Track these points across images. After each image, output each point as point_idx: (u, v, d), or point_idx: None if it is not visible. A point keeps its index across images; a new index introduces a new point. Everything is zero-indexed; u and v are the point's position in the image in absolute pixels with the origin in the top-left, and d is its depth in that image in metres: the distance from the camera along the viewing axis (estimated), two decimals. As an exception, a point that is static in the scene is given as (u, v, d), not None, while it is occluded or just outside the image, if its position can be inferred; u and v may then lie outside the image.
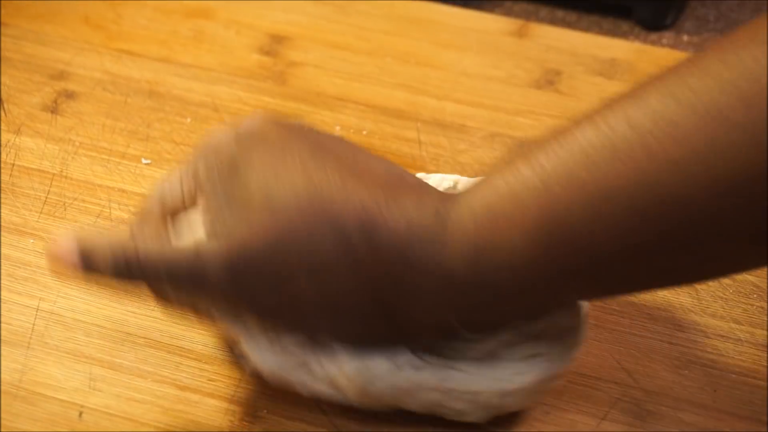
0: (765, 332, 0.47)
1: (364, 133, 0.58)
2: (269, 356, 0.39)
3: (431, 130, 0.59)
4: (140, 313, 0.47)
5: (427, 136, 0.58)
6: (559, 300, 0.38)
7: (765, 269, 0.50)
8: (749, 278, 0.50)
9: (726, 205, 0.32)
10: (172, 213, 0.41)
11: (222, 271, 0.37)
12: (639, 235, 0.34)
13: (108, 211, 0.52)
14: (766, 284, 0.50)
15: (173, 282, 0.38)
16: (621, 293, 0.39)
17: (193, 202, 0.40)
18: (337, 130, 0.58)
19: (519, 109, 0.60)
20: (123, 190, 0.53)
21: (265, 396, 0.44)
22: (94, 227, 0.51)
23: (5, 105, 0.59)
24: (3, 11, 0.65)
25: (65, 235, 0.38)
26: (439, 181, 0.45)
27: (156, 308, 0.47)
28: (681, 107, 0.32)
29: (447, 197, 0.38)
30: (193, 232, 0.40)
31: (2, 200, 0.52)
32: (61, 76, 0.61)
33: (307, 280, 0.36)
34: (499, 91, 0.61)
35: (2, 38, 0.63)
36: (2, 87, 0.60)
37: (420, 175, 0.45)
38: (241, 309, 0.38)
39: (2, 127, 0.57)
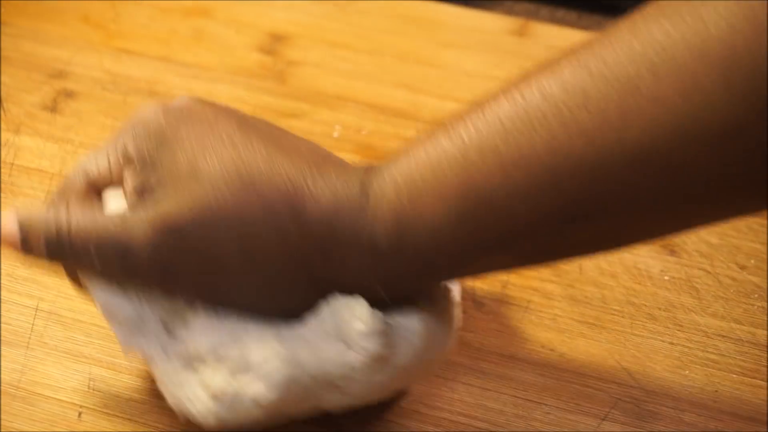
0: (765, 332, 0.47)
1: (364, 132, 0.58)
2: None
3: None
4: (140, 313, 0.47)
5: (428, 135, 0.58)
6: (481, 267, 0.38)
7: (765, 269, 0.50)
8: (750, 278, 0.50)
9: (638, 173, 0.33)
10: (97, 187, 0.40)
11: (148, 238, 0.37)
12: (555, 205, 0.34)
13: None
14: (767, 284, 0.50)
15: (100, 254, 0.38)
16: (543, 262, 0.39)
17: (120, 178, 0.40)
18: (337, 129, 0.58)
19: (519, 108, 0.60)
20: (122, 190, 0.53)
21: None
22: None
23: (4, 104, 0.58)
24: (2, 10, 0.65)
25: (8, 215, 0.39)
26: None
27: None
28: (593, 78, 0.33)
29: (371, 169, 0.38)
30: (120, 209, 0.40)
31: (2, 199, 0.52)
32: (60, 75, 0.61)
33: (236, 251, 0.37)
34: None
35: (2, 37, 0.63)
36: (2, 86, 0.60)
37: None
38: (166, 282, 0.38)
39: (2, 126, 0.57)
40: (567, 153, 0.33)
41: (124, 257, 0.37)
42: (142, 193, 0.38)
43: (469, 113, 0.36)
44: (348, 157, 0.56)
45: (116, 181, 0.40)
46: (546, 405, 0.44)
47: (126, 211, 0.38)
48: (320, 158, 0.39)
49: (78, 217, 0.38)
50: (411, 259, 0.36)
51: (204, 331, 0.38)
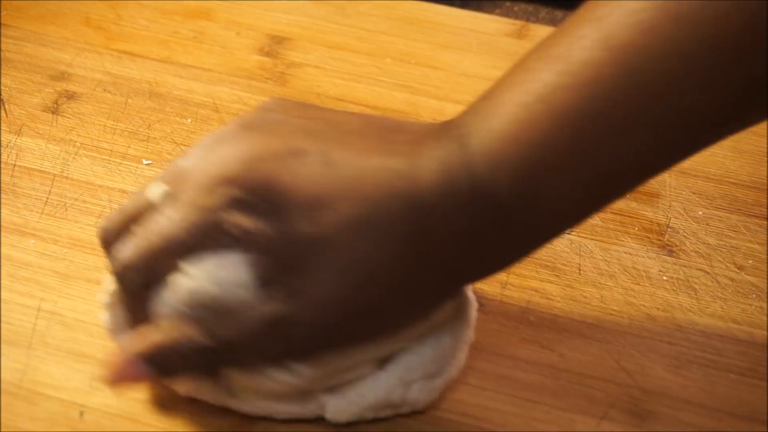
0: (764, 332, 0.47)
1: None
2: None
3: (431, 131, 0.58)
4: (141, 313, 0.47)
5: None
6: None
7: (763, 270, 0.50)
8: (748, 278, 0.50)
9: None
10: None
11: (319, 330, 0.37)
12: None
13: (109, 211, 0.52)
14: (765, 284, 0.50)
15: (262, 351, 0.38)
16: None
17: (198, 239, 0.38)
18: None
19: (518, 109, 0.60)
20: (124, 191, 0.53)
21: (265, 396, 0.44)
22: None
23: (6, 106, 0.59)
24: (4, 12, 0.65)
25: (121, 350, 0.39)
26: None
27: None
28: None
29: (458, 125, 0.38)
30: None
31: (3, 201, 0.52)
32: (61, 77, 0.61)
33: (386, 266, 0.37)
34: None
35: (3, 39, 0.63)
36: (3, 88, 0.60)
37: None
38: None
39: (3, 128, 0.57)
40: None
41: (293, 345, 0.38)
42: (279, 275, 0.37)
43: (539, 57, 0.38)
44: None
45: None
46: (545, 404, 0.44)
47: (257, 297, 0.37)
48: (389, 133, 0.39)
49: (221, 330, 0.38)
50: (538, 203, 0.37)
51: None
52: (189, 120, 0.58)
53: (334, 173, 0.37)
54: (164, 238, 0.38)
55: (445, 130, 0.38)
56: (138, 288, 0.39)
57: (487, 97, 0.38)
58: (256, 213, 0.37)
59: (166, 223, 0.38)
